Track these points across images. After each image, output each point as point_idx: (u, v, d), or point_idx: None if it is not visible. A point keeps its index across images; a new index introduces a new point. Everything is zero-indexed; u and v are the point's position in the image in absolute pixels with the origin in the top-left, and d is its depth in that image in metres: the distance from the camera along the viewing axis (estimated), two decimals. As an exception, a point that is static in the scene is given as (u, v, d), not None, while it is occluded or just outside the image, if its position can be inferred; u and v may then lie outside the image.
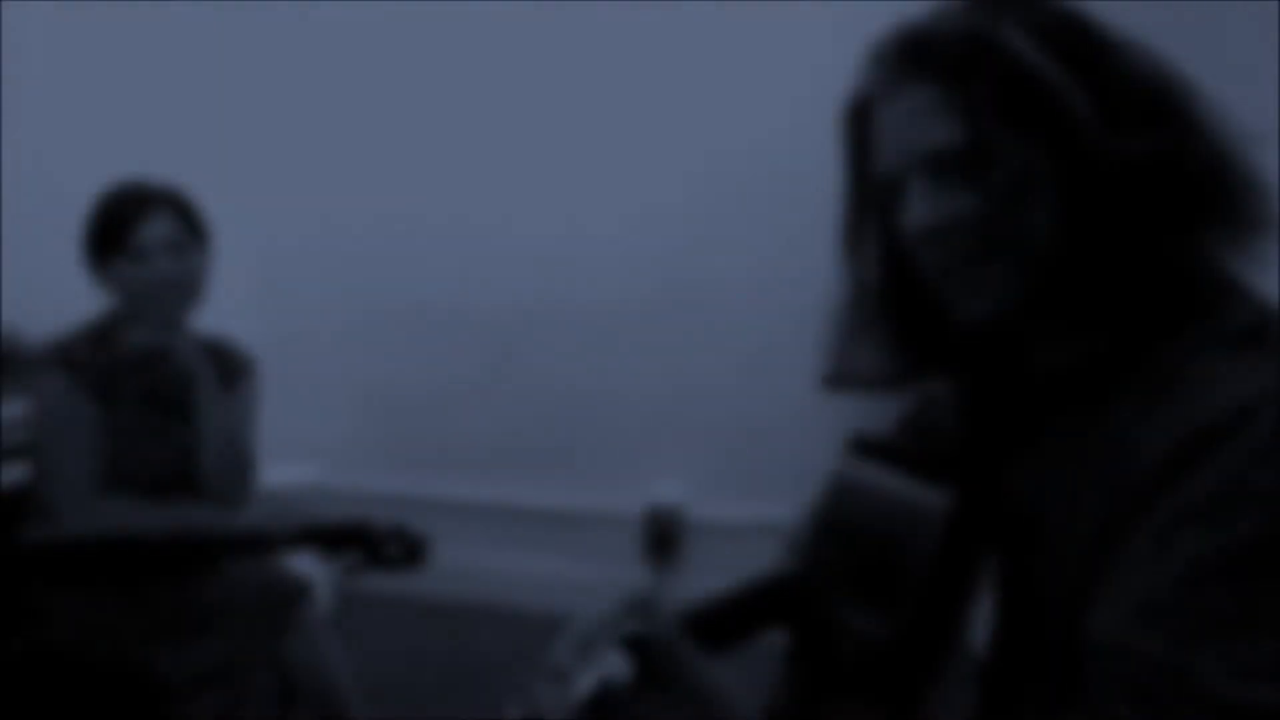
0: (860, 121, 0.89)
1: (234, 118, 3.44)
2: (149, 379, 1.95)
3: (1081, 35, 0.82)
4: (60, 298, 2.00)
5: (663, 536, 3.11)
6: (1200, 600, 0.69)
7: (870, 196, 0.90)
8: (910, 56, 0.83)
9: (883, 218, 0.90)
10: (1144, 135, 0.78)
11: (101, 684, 1.84)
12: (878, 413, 1.09)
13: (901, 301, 0.91)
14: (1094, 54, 0.81)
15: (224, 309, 2.24)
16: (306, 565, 2.77)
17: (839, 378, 0.95)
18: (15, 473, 2.12)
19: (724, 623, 0.86)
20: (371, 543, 1.98)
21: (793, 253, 2.97)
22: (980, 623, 1.07)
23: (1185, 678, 0.68)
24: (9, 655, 2.10)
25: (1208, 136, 0.81)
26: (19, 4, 2.66)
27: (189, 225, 1.91)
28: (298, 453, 3.40)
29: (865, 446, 0.95)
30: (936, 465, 0.90)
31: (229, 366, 2.09)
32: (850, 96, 0.90)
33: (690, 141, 3.01)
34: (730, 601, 0.90)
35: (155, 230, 1.85)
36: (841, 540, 0.90)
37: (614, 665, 0.66)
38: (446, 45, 3.20)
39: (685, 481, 3.16)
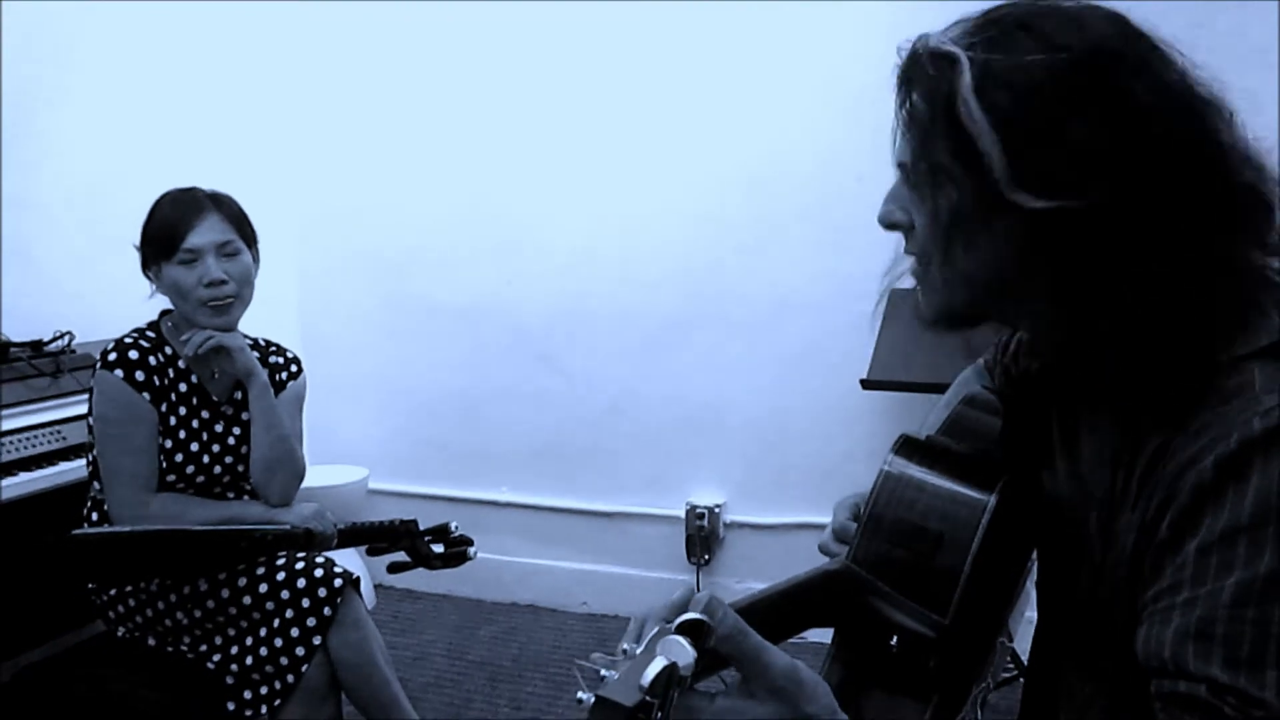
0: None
1: (275, 122, 3.50)
2: (201, 380, 2.00)
3: (1040, 78, 0.78)
4: (119, 304, 2.07)
5: (701, 537, 3.13)
6: (1256, 622, 0.68)
7: None
8: (904, 67, 0.86)
9: None
10: (1056, 192, 0.77)
11: (155, 676, 1.89)
12: (910, 417, 1.11)
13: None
14: (1055, 103, 0.78)
15: (267, 314, 2.28)
16: (350, 562, 2.81)
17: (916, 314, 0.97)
18: (77, 470, 2.20)
19: (771, 618, 0.87)
20: (417, 542, 2.02)
21: (831, 260, 2.98)
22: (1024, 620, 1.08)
23: (1249, 698, 0.67)
24: (65, 645, 2.17)
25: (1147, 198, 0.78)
26: (67, 11, 2.73)
27: (239, 230, 1.97)
28: (344, 456, 3.45)
29: (912, 447, 0.96)
30: (980, 467, 0.91)
31: (276, 367, 2.14)
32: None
33: (732, 149, 3.01)
34: (777, 597, 0.91)
35: (207, 234, 1.92)
36: (887, 537, 0.91)
37: (678, 649, 0.68)
38: (490, 48, 3.22)
39: (723, 484, 3.17)
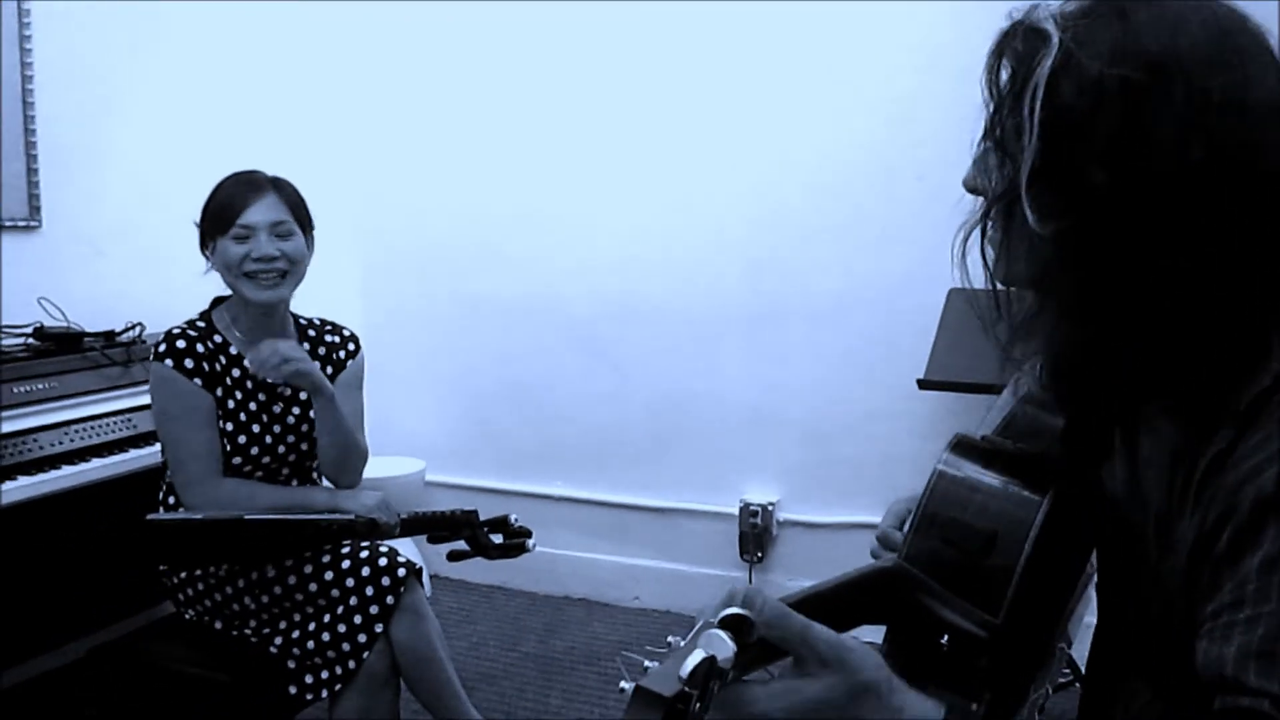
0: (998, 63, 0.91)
1: (339, 120, 3.56)
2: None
3: (1123, 98, 0.75)
4: (188, 296, 2.12)
5: (755, 535, 3.13)
6: None
7: None
8: (1005, 29, 0.83)
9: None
10: (1057, 208, 0.76)
11: (220, 658, 1.94)
12: (968, 418, 1.10)
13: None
14: (1104, 122, 0.75)
15: (331, 308, 2.33)
16: (407, 553, 2.86)
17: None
18: (147, 457, 2.27)
19: (820, 614, 0.88)
20: (477, 532, 2.04)
21: (889, 258, 2.96)
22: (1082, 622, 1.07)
23: None
24: (136, 625, 2.24)
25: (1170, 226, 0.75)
26: (138, 11, 2.80)
27: (294, 214, 2.02)
28: (402, 447, 3.51)
29: (967, 446, 0.96)
30: (1035, 466, 0.91)
31: (333, 346, 2.18)
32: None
33: (790, 145, 3.00)
34: (828, 593, 0.91)
35: (263, 213, 1.96)
36: (940, 536, 0.91)
37: (718, 643, 0.69)
38: (549, 48, 3.25)
39: (777, 482, 3.17)
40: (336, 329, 2.22)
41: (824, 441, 3.08)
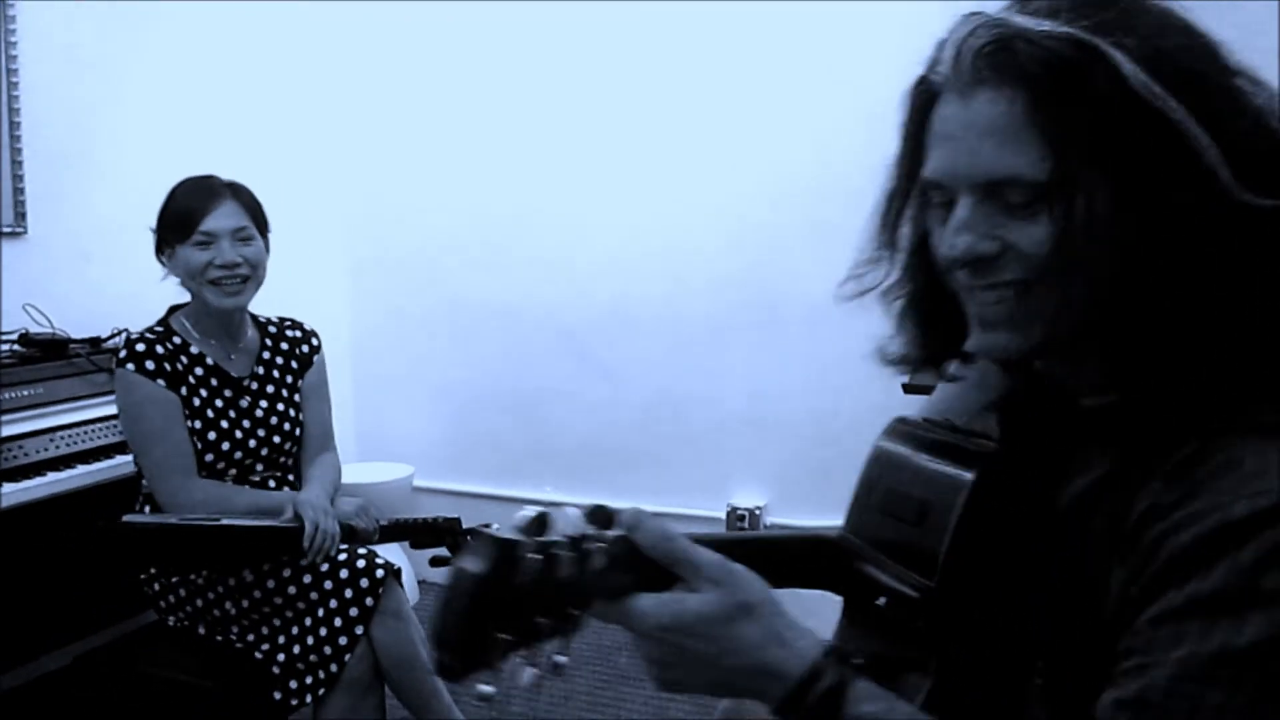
0: (924, 105, 0.82)
1: (327, 124, 3.56)
2: (218, 361, 2.06)
3: (1202, 64, 0.74)
4: (173, 303, 2.13)
5: (742, 539, 3.14)
6: (1196, 701, 0.66)
7: (915, 184, 0.86)
8: (997, 57, 0.74)
9: (922, 209, 0.86)
10: (1271, 190, 0.71)
11: (205, 664, 1.94)
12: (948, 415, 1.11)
13: (928, 296, 0.89)
14: (1214, 88, 0.73)
15: (318, 312, 2.33)
16: (393, 557, 2.86)
17: (879, 355, 0.95)
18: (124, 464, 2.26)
19: (757, 564, 0.90)
20: (459, 539, 2.05)
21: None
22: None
23: None
24: (121, 633, 2.24)
25: None
26: (125, 18, 2.80)
27: (253, 218, 2.04)
28: (390, 453, 3.51)
29: (906, 426, 1.00)
30: (963, 447, 0.92)
31: (295, 341, 2.21)
32: (920, 76, 0.83)
33: (777, 150, 3.01)
34: (765, 544, 0.95)
35: (223, 220, 1.99)
36: (878, 506, 0.94)
37: (563, 512, 0.74)
38: (538, 52, 3.26)
39: (764, 486, 3.18)
40: (296, 324, 2.24)
41: (812, 446, 3.09)
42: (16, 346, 2.35)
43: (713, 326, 3.18)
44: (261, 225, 2.07)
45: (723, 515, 3.16)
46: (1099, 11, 0.74)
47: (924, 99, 0.82)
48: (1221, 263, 0.71)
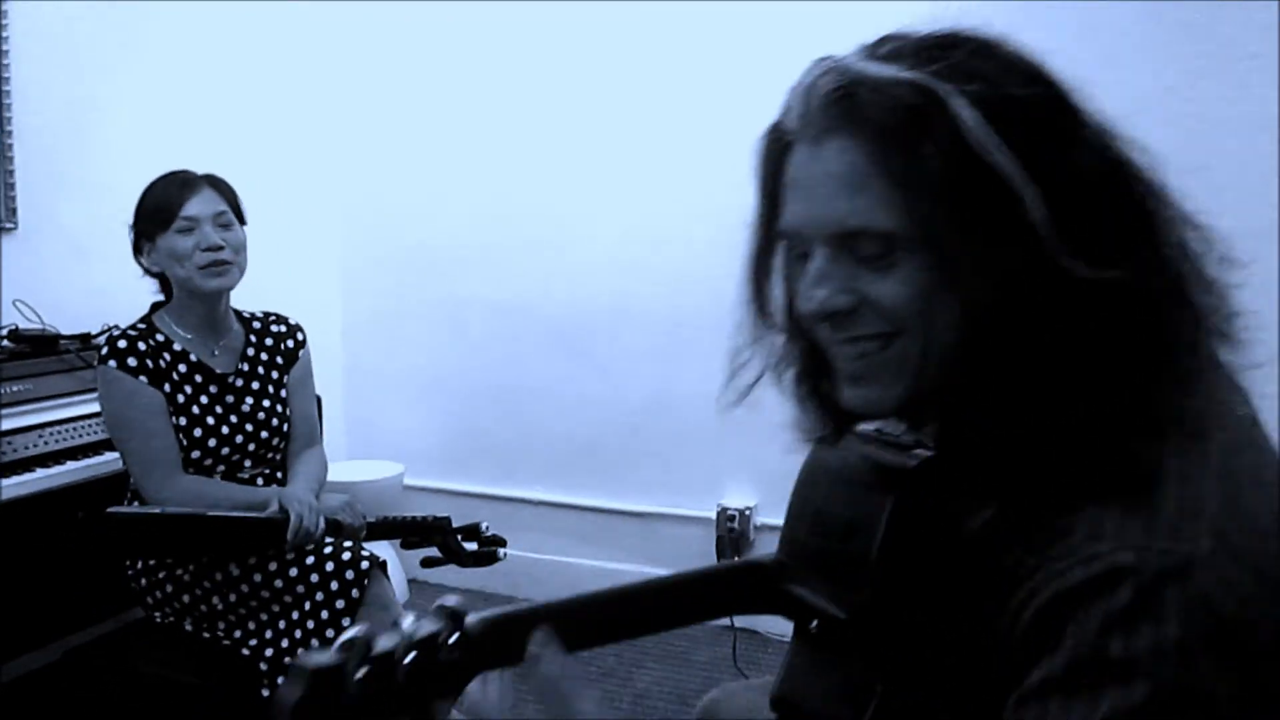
0: (778, 155, 0.81)
1: (320, 121, 3.56)
2: (201, 358, 2.06)
3: (1048, 114, 0.72)
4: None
5: (732, 539, 3.14)
6: None
7: (777, 236, 0.84)
8: (842, 104, 0.73)
9: (788, 263, 0.84)
10: (1101, 256, 0.69)
11: (192, 662, 1.94)
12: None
13: (814, 358, 0.86)
14: (1056, 141, 0.71)
15: (310, 310, 2.33)
16: (383, 552, 2.85)
17: (796, 433, 0.89)
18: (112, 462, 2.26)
19: (682, 600, 0.90)
20: (449, 538, 2.05)
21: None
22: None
23: None
24: (109, 629, 2.23)
25: (1170, 257, 0.73)
26: (119, 15, 2.80)
27: (230, 205, 2.05)
28: (381, 451, 3.51)
29: (833, 440, 0.97)
30: (884, 467, 0.90)
31: (280, 336, 2.21)
32: (774, 124, 0.82)
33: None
34: (694, 579, 0.94)
35: (202, 204, 2.00)
36: (807, 525, 0.92)
37: (383, 627, 0.75)
38: (531, 50, 3.26)
39: (754, 486, 3.18)
40: (281, 319, 2.24)
41: (803, 446, 3.09)
42: (6, 342, 2.35)
43: (701, 326, 3.17)
44: (239, 214, 2.08)
45: (713, 515, 3.17)
46: (946, 55, 0.73)
47: (778, 148, 0.81)
48: (1045, 326, 0.70)
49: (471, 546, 2.10)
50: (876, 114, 0.71)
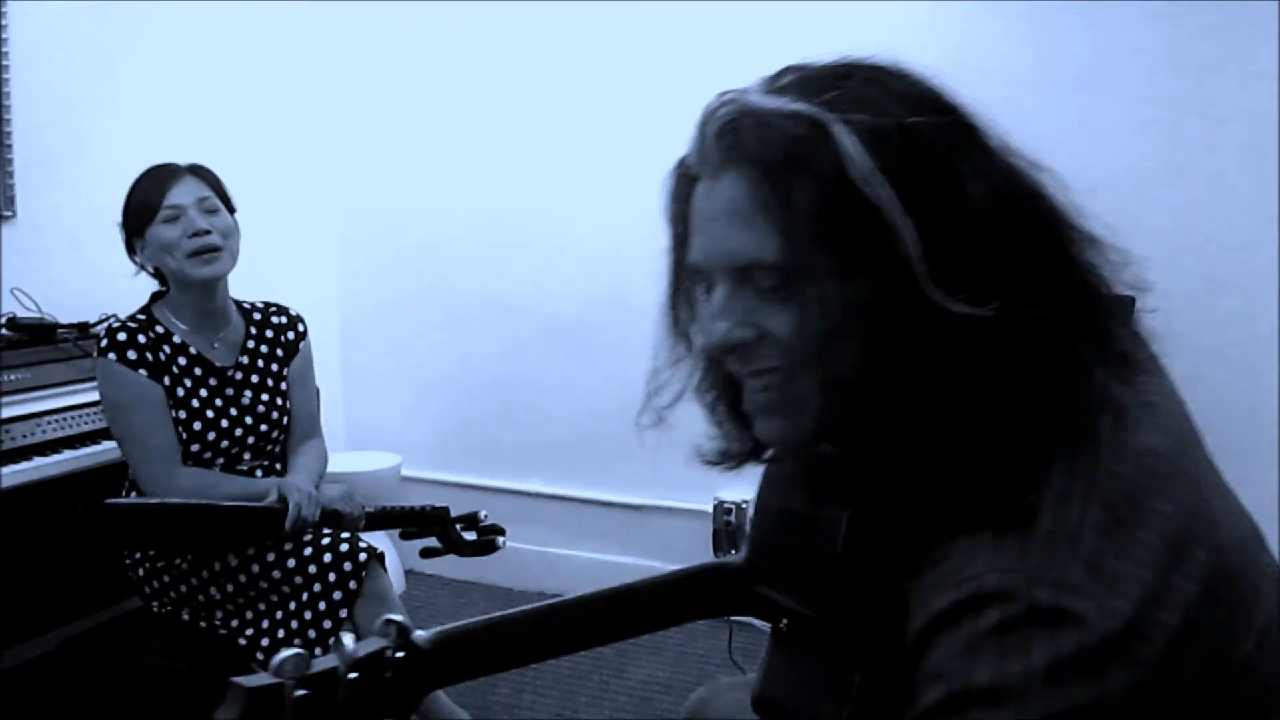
0: (686, 189, 0.81)
1: (317, 116, 3.56)
2: (201, 351, 2.06)
3: (938, 143, 0.71)
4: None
5: (729, 532, 3.15)
6: None
7: (688, 271, 0.84)
8: (733, 137, 0.73)
9: (699, 294, 0.84)
10: (983, 289, 0.68)
11: (189, 651, 1.95)
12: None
13: (717, 384, 0.86)
14: (945, 171, 0.70)
15: (308, 303, 2.33)
16: (380, 544, 2.85)
17: (698, 456, 0.90)
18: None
19: (650, 606, 0.90)
20: (448, 528, 2.05)
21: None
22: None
23: None
24: (106, 618, 2.24)
25: (1066, 282, 0.72)
26: (116, 11, 2.79)
27: (215, 191, 2.05)
28: (378, 442, 3.51)
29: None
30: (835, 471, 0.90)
31: (281, 328, 2.20)
32: (680, 159, 0.82)
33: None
34: (662, 585, 0.97)
35: (187, 192, 2.00)
36: (772, 526, 0.93)
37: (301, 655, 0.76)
38: (528, 46, 3.25)
39: (751, 479, 3.17)
40: (281, 310, 2.23)
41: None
42: (4, 331, 2.34)
43: (702, 320, 3.19)
44: (225, 200, 2.07)
45: (709, 508, 3.17)
46: (838, 85, 0.72)
47: (685, 182, 0.81)
48: (925, 361, 0.70)
49: (470, 536, 2.09)
50: (762, 147, 0.71)
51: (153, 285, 2.11)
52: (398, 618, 0.81)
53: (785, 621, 0.88)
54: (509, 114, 3.32)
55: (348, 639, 0.77)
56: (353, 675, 0.75)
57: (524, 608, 0.92)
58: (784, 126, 0.70)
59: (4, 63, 2.50)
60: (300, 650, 0.74)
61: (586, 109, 3.22)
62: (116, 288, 2.44)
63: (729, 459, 0.86)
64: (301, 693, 0.73)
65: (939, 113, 0.72)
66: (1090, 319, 0.73)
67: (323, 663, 0.75)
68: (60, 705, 2.12)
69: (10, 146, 2.53)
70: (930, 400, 0.70)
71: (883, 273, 0.69)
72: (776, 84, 0.75)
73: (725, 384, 0.86)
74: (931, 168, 0.70)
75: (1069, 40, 2.68)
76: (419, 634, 0.83)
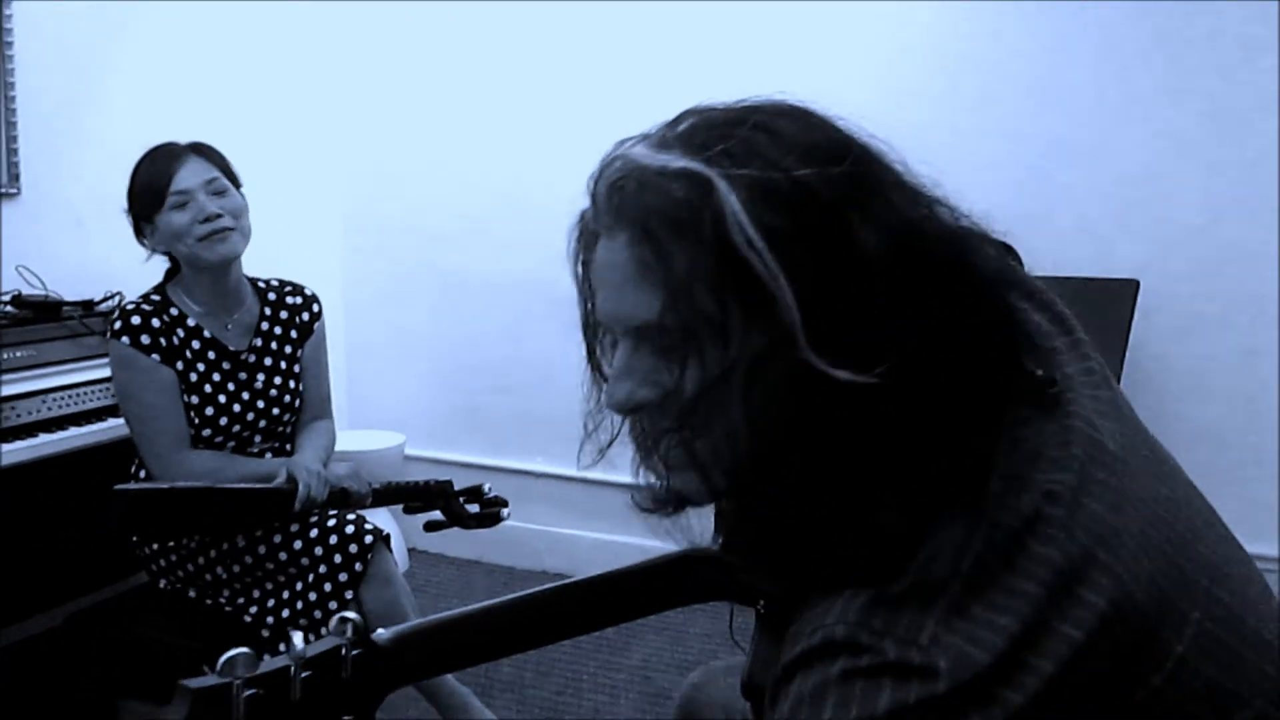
0: (589, 243, 0.80)
1: (322, 94, 3.55)
2: (215, 334, 2.04)
3: (830, 195, 0.68)
4: (166, 266, 2.12)
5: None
6: None
7: (597, 327, 0.83)
8: (618, 196, 0.72)
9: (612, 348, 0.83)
10: (863, 353, 0.66)
11: (195, 626, 1.96)
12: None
13: (637, 435, 0.85)
14: (835, 226, 0.67)
15: (311, 281, 2.33)
16: (385, 524, 2.86)
17: (633, 503, 0.87)
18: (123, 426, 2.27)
19: (625, 595, 0.92)
20: (452, 502, 2.06)
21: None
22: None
23: None
24: (112, 594, 2.25)
25: (972, 328, 0.70)
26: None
27: (221, 169, 2.01)
28: (382, 421, 3.52)
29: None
30: None
31: (296, 308, 2.18)
32: (581, 214, 0.81)
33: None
34: (636, 574, 0.97)
35: (193, 175, 1.96)
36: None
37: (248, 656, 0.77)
38: (532, 20, 3.24)
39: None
40: (297, 289, 2.21)
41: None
42: (9, 308, 2.34)
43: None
44: (233, 178, 2.03)
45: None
46: (729, 134, 0.70)
47: (589, 235, 0.80)
48: (804, 424, 0.68)
49: (474, 509, 2.10)
50: (644, 210, 0.70)
51: (159, 263, 2.10)
52: (351, 616, 0.80)
53: (761, 604, 0.87)
54: (515, 93, 3.31)
55: (297, 638, 0.76)
56: (306, 674, 0.74)
57: (490, 602, 0.92)
58: (667, 187, 0.69)
59: (8, 39, 2.50)
60: (247, 649, 0.74)
61: (593, 88, 3.21)
62: (121, 265, 2.45)
63: (660, 507, 0.82)
64: (251, 692, 0.71)
65: (833, 161, 0.69)
66: (998, 353, 0.71)
67: (273, 663, 0.74)
68: (66, 680, 2.14)
69: (15, 124, 2.53)
70: (813, 462, 0.69)
71: (765, 336, 0.67)
72: (670, 132, 0.74)
73: (643, 435, 0.83)
74: (819, 223, 0.67)
75: (1066, 40, 2.68)
76: (379, 632, 0.82)
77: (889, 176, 0.72)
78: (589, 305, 0.83)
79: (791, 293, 0.66)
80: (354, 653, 0.78)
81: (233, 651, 0.73)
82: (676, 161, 0.69)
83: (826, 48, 2.93)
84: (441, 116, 3.42)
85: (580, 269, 0.82)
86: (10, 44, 2.50)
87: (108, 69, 2.77)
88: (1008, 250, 0.94)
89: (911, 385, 0.67)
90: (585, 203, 0.79)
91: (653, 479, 0.81)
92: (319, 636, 1.88)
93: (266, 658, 0.76)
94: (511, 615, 0.90)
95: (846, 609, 0.67)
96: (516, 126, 3.32)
